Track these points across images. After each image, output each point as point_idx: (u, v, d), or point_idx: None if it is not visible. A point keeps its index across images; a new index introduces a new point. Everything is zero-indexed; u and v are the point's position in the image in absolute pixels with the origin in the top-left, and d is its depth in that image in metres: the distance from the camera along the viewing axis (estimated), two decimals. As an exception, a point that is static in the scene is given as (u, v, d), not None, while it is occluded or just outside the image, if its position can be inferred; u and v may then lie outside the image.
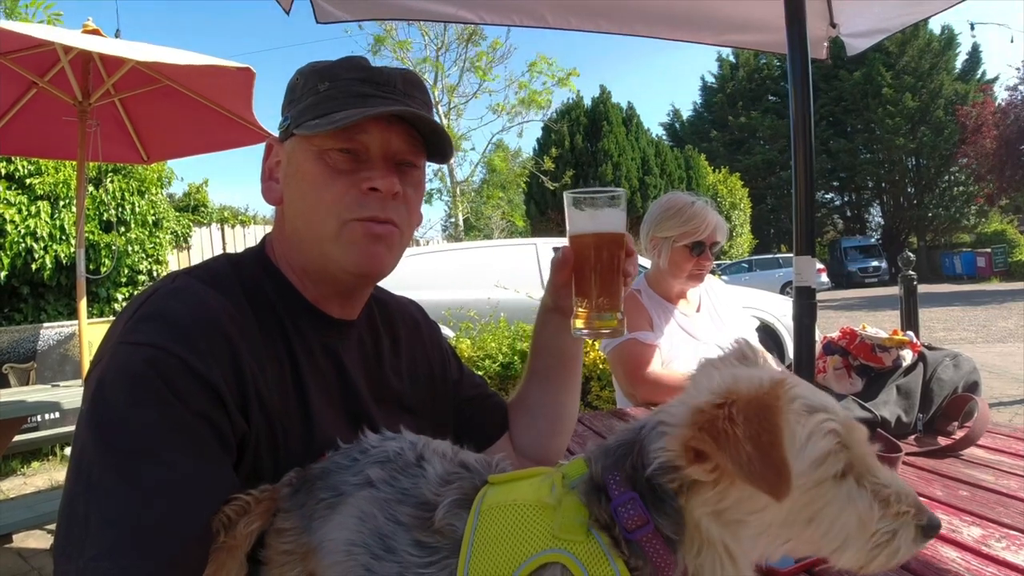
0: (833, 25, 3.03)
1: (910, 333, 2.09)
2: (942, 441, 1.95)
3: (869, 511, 0.78)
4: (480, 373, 5.46)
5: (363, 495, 0.91)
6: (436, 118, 1.20)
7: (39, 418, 6.37)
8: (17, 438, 4.99)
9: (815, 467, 0.75)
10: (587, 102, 24.88)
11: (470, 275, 8.69)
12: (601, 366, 5.55)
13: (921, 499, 0.81)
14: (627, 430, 0.86)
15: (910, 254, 6.25)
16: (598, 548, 0.77)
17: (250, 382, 1.03)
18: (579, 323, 1.28)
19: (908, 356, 2.06)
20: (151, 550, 0.88)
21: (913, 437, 2.00)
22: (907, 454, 1.80)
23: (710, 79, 49.21)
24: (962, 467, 1.75)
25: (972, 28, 31.28)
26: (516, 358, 5.98)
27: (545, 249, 9.41)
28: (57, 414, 6.21)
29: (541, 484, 0.86)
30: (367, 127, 1.11)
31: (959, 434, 1.97)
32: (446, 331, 6.88)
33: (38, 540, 4.47)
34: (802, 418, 0.76)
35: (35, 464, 6.60)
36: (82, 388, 1.02)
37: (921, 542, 0.80)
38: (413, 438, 1.01)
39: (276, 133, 1.24)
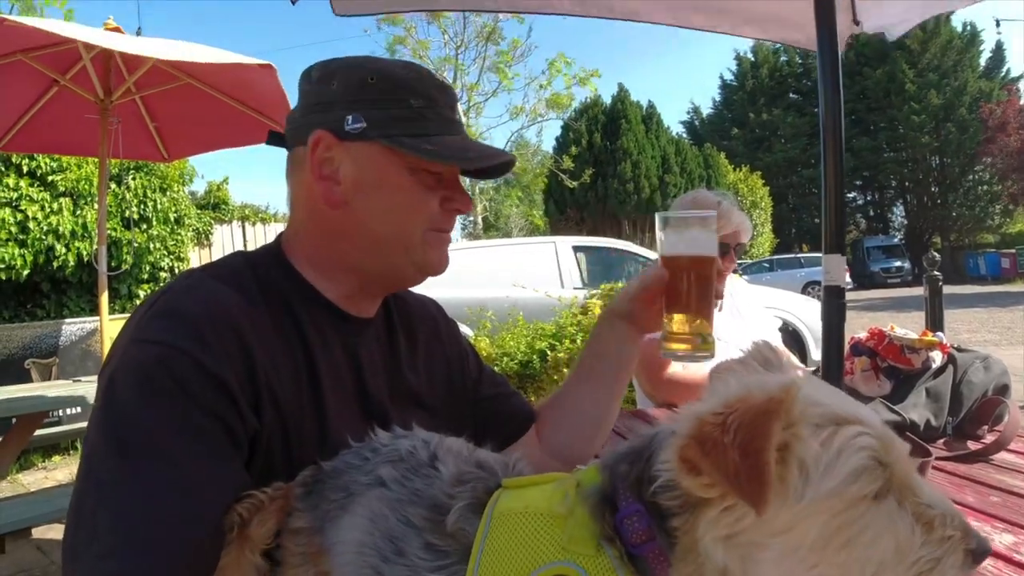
0: (856, 22, 2.98)
1: (940, 334, 2.05)
2: (972, 445, 1.90)
3: (910, 535, 0.71)
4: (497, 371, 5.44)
5: (374, 495, 0.89)
6: (459, 117, 1.22)
7: (60, 413, 6.44)
8: (38, 433, 5.03)
9: (846, 485, 0.68)
10: (606, 100, 24.86)
11: (489, 273, 8.68)
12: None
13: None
14: (643, 436, 0.82)
15: (935, 254, 6.17)
16: (608, 563, 0.74)
17: (262, 379, 1.02)
18: (675, 345, 1.26)
19: (938, 358, 2.01)
20: (159, 550, 0.87)
21: (942, 441, 1.95)
22: (936, 458, 1.76)
23: (729, 76, 49.01)
24: (993, 472, 1.71)
25: (998, 25, 30.89)
26: (535, 357, 5.95)
27: (564, 248, 9.39)
28: (78, 409, 6.27)
29: (554, 492, 0.83)
30: None
31: (989, 438, 1.93)
32: (464, 329, 6.87)
33: (57, 533, 4.50)
34: (826, 430, 0.69)
35: (56, 458, 6.68)
36: (103, 384, 1.01)
37: (969, 569, 0.72)
38: (426, 436, 0.98)
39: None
